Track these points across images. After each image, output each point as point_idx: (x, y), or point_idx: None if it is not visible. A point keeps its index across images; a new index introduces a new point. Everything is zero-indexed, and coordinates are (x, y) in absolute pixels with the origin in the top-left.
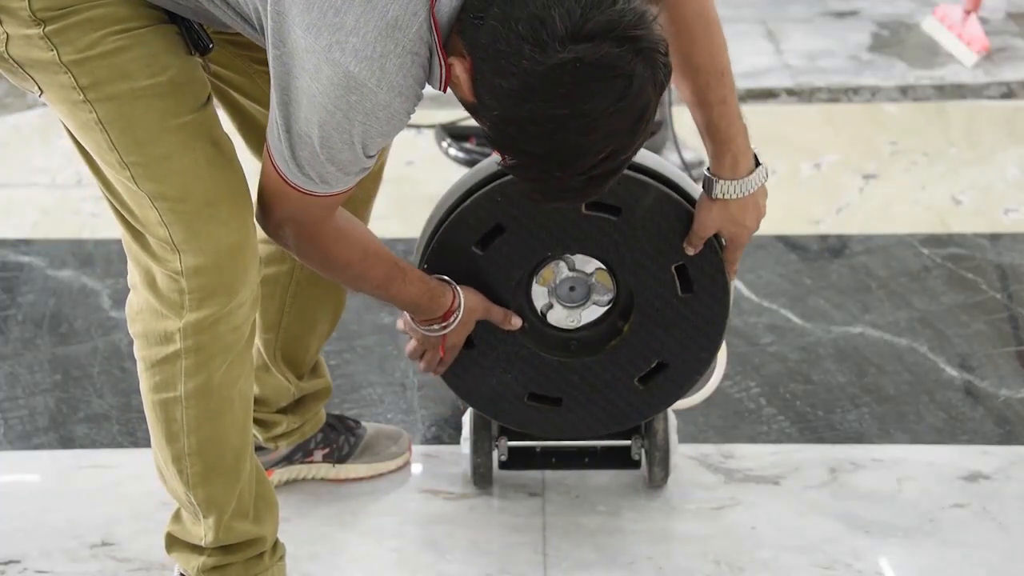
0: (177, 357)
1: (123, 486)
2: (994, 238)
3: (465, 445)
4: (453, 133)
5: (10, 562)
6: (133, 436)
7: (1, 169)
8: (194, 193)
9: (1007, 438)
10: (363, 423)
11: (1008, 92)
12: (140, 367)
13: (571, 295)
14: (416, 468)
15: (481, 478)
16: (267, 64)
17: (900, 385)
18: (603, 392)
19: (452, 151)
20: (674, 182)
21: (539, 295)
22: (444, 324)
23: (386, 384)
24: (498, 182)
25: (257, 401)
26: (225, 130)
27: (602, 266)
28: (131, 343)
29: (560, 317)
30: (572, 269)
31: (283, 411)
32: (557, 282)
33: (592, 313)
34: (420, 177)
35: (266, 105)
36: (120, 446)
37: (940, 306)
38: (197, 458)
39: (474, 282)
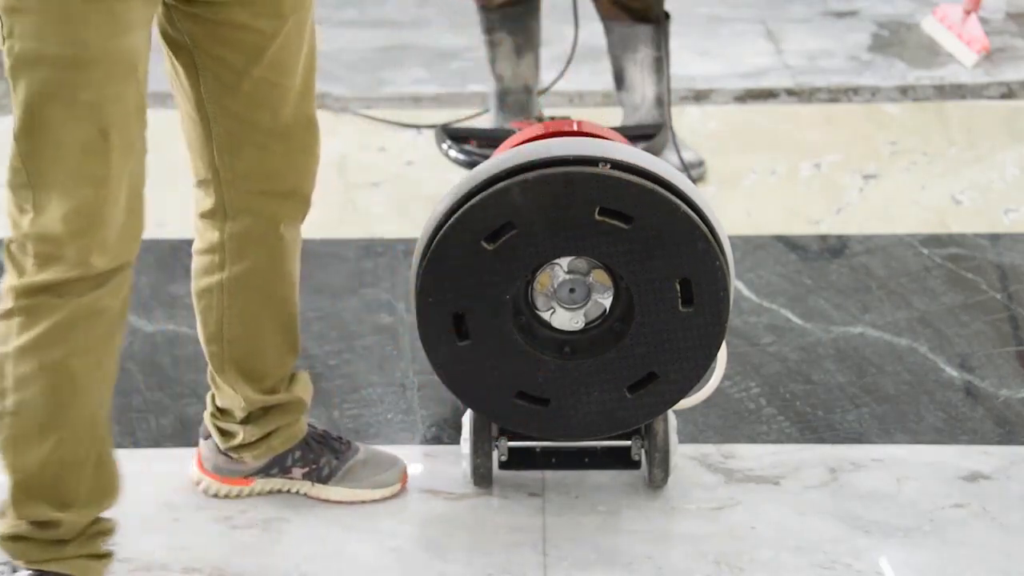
0: (10, 315)
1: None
2: (994, 238)
3: (465, 445)
4: (453, 134)
5: (10, 562)
6: (133, 436)
7: (1, 169)
8: (61, 169)
9: (1007, 438)
10: (358, 445)
11: (1008, 92)
12: None
13: (572, 296)
14: (416, 468)
15: (481, 478)
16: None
17: (900, 385)
18: (592, 397)
19: (452, 152)
20: (687, 195)
21: (539, 296)
22: None
23: (386, 384)
24: (511, 180)
25: (221, 410)
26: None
27: (599, 264)
28: (130, 344)
29: (564, 320)
30: (568, 272)
31: (242, 422)
32: (555, 286)
33: (595, 310)
34: (420, 177)
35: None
36: (120, 446)
37: (940, 306)
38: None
39: (477, 276)
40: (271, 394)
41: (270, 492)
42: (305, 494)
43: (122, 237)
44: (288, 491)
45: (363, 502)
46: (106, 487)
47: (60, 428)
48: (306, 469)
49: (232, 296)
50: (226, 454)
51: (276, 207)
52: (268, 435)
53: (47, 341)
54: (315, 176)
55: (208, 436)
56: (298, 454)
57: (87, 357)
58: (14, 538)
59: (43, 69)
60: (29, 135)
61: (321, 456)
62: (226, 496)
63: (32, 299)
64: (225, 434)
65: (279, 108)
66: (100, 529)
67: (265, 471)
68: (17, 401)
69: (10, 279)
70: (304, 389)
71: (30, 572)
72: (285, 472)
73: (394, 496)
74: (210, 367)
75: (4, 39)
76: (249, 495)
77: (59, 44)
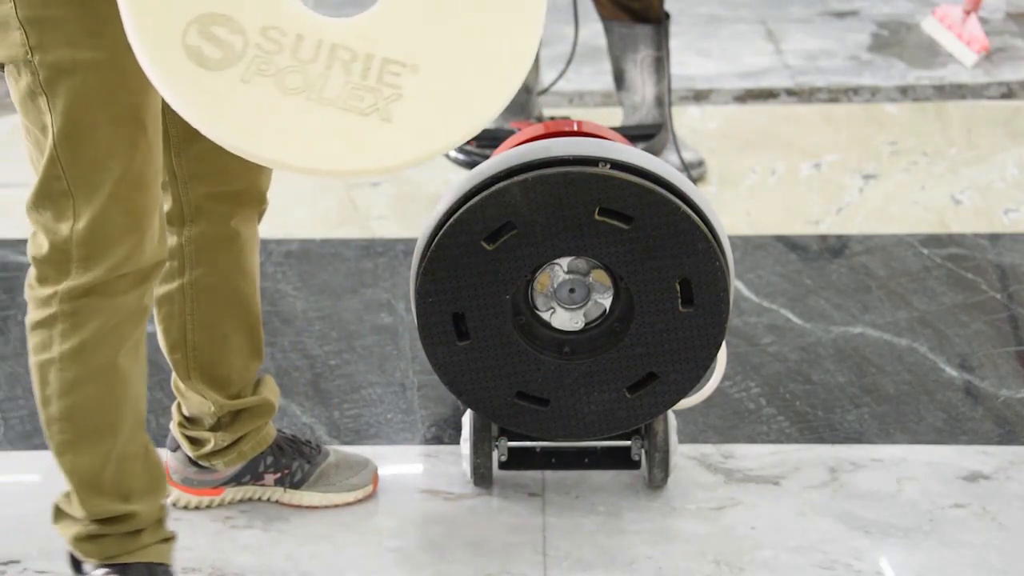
0: (52, 320)
1: None
2: (994, 238)
3: (465, 445)
4: None
5: (10, 562)
6: None
7: (1, 169)
8: (109, 170)
9: (1007, 438)
10: (327, 448)
11: (1008, 92)
12: (27, 331)
13: (572, 296)
14: (416, 468)
15: (481, 478)
16: None
17: (900, 385)
18: (592, 397)
19: (452, 152)
20: (687, 195)
21: (539, 296)
22: None
23: (386, 384)
24: (511, 180)
25: (189, 419)
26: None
27: (599, 264)
28: None
29: (563, 320)
30: (568, 272)
31: (212, 429)
32: (555, 286)
33: (595, 310)
34: (420, 177)
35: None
36: None
37: (940, 306)
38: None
39: (477, 277)
40: (238, 399)
41: (241, 501)
42: (277, 501)
43: (163, 230)
44: (260, 499)
45: (336, 506)
46: (158, 475)
47: (117, 426)
48: (278, 475)
49: (194, 301)
50: (197, 464)
51: (232, 206)
52: (239, 440)
53: (96, 342)
54: (270, 173)
55: (176, 448)
56: (270, 459)
57: (133, 353)
58: (90, 538)
59: (81, 75)
60: (71, 142)
61: (293, 461)
62: (196, 507)
63: (77, 302)
64: (195, 442)
65: None
66: (164, 514)
67: (237, 479)
68: (67, 406)
69: (49, 286)
70: (271, 391)
71: (107, 569)
72: (257, 479)
73: (367, 497)
74: (174, 376)
75: (30, 51)
76: (220, 505)
77: (94, 48)
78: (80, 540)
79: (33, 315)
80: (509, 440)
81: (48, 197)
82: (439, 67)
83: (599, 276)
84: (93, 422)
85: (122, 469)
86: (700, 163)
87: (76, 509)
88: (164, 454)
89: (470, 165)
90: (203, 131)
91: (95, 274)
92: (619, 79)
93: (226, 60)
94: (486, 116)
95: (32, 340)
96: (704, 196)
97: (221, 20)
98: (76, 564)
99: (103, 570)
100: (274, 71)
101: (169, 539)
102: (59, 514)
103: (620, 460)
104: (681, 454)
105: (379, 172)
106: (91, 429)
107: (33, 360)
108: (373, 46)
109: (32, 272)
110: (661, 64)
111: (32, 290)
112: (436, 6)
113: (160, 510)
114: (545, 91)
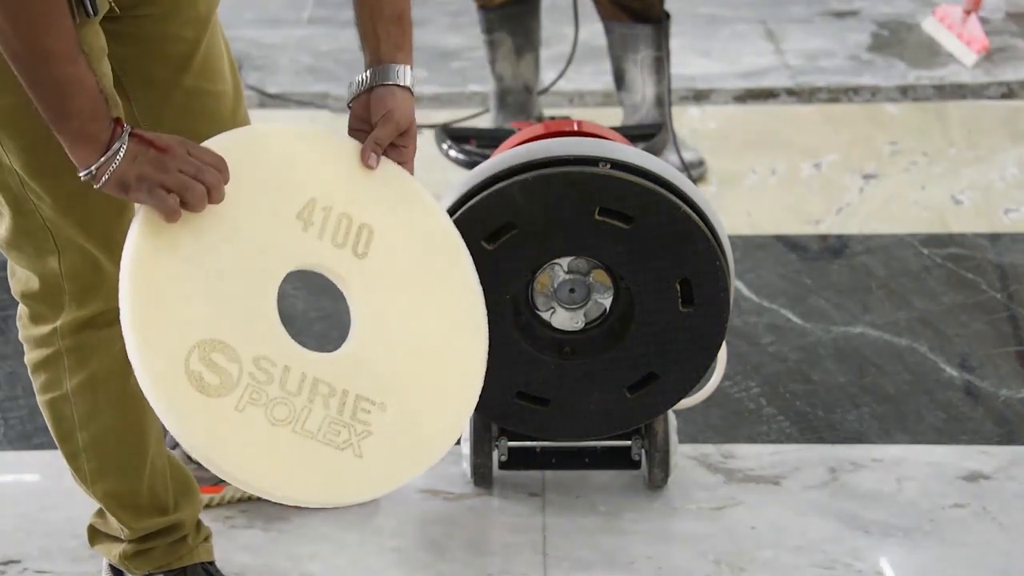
0: (56, 358)
1: None
2: (994, 238)
3: (465, 445)
4: (453, 134)
5: (10, 562)
6: None
7: None
8: (79, 210)
9: (1007, 438)
10: None
11: (1008, 92)
12: (29, 371)
13: (572, 296)
14: None
15: (481, 478)
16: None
17: (900, 385)
18: (592, 397)
19: (452, 152)
20: (687, 195)
21: (539, 296)
22: (106, 152)
23: None
24: (511, 180)
25: None
26: None
27: (599, 264)
28: None
29: (564, 320)
30: (568, 272)
31: None
32: (555, 286)
33: (595, 310)
34: (420, 177)
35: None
36: None
37: (940, 306)
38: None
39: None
40: None
41: (240, 500)
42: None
43: None
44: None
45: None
46: (188, 478)
47: (143, 445)
48: None
49: None
50: (196, 462)
51: None
52: None
53: (105, 371)
54: None
55: (175, 446)
56: None
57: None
58: (137, 554)
59: (28, 122)
60: (38, 178)
61: None
62: None
63: (79, 335)
64: None
65: (216, 117)
66: (199, 514)
67: None
68: (90, 436)
69: (46, 324)
70: None
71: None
72: None
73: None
74: None
75: None
76: (219, 504)
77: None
78: (127, 558)
79: (33, 355)
80: (509, 440)
81: (26, 233)
82: (403, 405)
83: (599, 276)
84: (119, 448)
85: (156, 484)
86: (700, 163)
87: (117, 530)
88: None
89: (470, 165)
90: (199, 459)
91: (91, 308)
92: (619, 79)
93: (224, 387)
94: (441, 451)
95: (38, 380)
96: (704, 196)
97: (220, 347)
98: (118, 574)
99: None
100: (264, 401)
101: (209, 536)
102: (96, 535)
103: (620, 460)
104: (681, 454)
105: (347, 504)
106: (119, 454)
107: (42, 399)
108: (348, 382)
109: (24, 311)
110: (661, 64)
111: (27, 330)
112: (397, 346)
113: (197, 512)
114: (545, 91)
